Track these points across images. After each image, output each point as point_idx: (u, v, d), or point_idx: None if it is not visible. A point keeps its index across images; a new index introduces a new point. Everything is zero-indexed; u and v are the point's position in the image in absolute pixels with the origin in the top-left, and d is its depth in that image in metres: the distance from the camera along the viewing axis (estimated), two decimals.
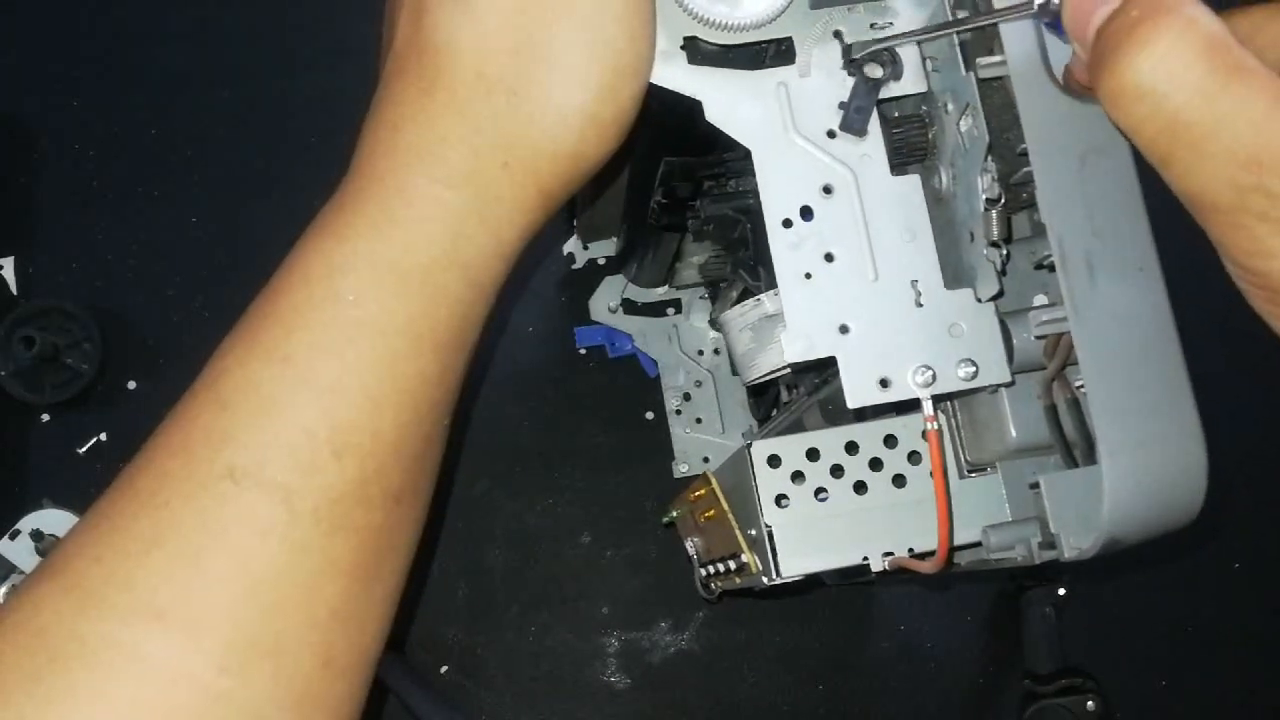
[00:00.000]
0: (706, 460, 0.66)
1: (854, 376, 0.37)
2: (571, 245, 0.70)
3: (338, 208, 0.38)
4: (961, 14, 0.38)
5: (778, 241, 0.38)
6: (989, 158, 0.37)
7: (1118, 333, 0.34)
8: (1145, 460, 0.34)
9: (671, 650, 0.68)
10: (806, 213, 0.38)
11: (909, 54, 0.39)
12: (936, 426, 0.38)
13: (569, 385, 0.70)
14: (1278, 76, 0.27)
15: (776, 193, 0.39)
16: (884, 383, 0.37)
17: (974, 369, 0.37)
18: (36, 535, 0.63)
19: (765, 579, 0.42)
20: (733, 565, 0.45)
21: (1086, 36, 0.30)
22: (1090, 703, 0.64)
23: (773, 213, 0.39)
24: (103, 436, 0.67)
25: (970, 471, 0.43)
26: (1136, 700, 0.68)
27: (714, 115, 0.38)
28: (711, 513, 0.47)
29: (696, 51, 0.39)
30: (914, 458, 0.42)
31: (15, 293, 0.68)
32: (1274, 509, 0.72)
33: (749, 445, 0.42)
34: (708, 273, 0.62)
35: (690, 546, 0.53)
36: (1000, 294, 0.38)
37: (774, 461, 0.42)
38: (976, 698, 0.69)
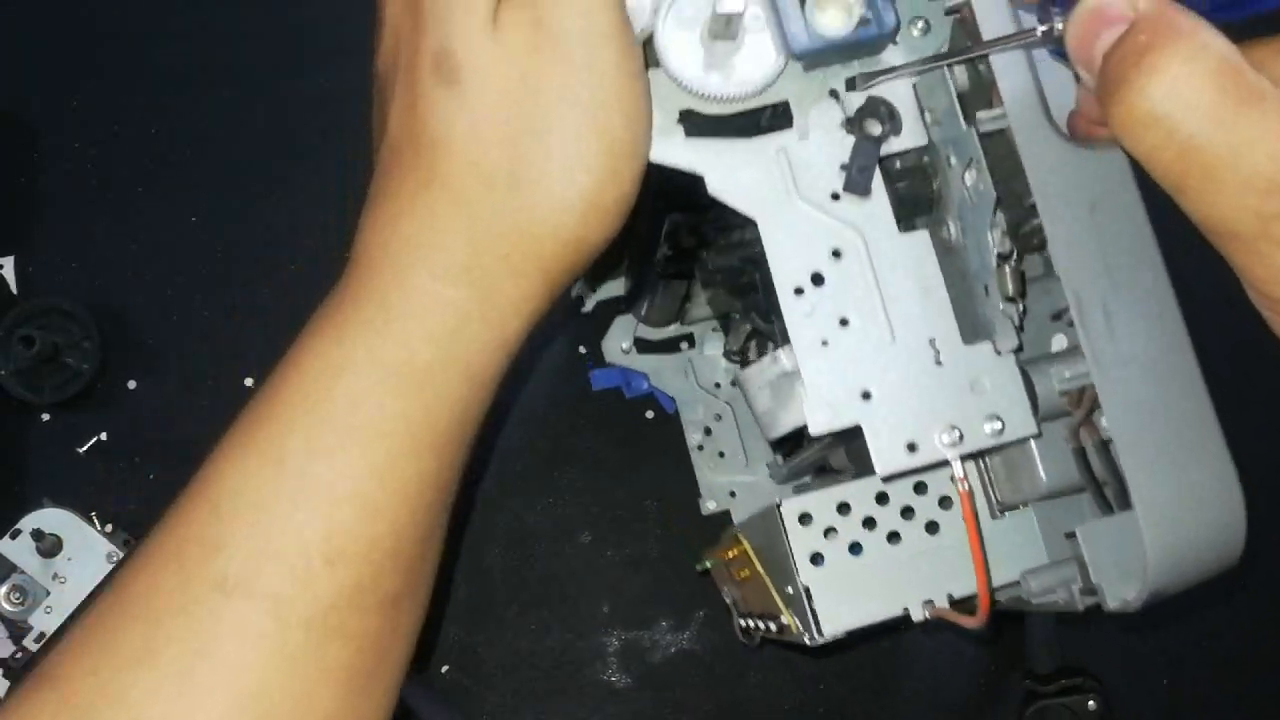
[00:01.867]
0: (733, 495, 0.65)
1: (881, 443, 0.37)
2: (579, 288, 0.70)
3: (337, 304, 0.37)
4: (955, 69, 0.37)
5: (791, 311, 0.37)
6: (997, 211, 0.36)
7: (1142, 382, 0.34)
8: (1182, 511, 0.34)
9: (671, 650, 0.68)
10: (817, 279, 0.38)
11: (907, 107, 0.38)
12: (969, 488, 0.38)
13: (568, 385, 0.70)
14: None
15: (786, 261, 0.38)
16: (912, 447, 0.37)
17: (1000, 424, 0.37)
18: (37, 534, 0.63)
19: (807, 639, 0.42)
20: (773, 627, 0.45)
21: (1093, 63, 0.29)
22: (1091, 702, 0.64)
23: (783, 282, 0.38)
24: (103, 436, 0.67)
25: (1003, 511, 0.42)
26: (1136, 700, 0.68)
27: (716, 188, 0.38)
28: (746, 572, 0.47)
29: (693, 122, 0.38)
30: (945, 503, 0.42)
31: (15, 292, 0.68)
32: (1274, 509, 0.71)
33: (779, 504, 0.42)
34: (718, 307, 0.61)
35: (727, 595, 0.53)
36: (1020, 348, 0.38)
37: (805, 519, 0.42)
38: (976, 697, 0.69)
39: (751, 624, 0.49)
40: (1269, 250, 0.27)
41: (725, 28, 0.36)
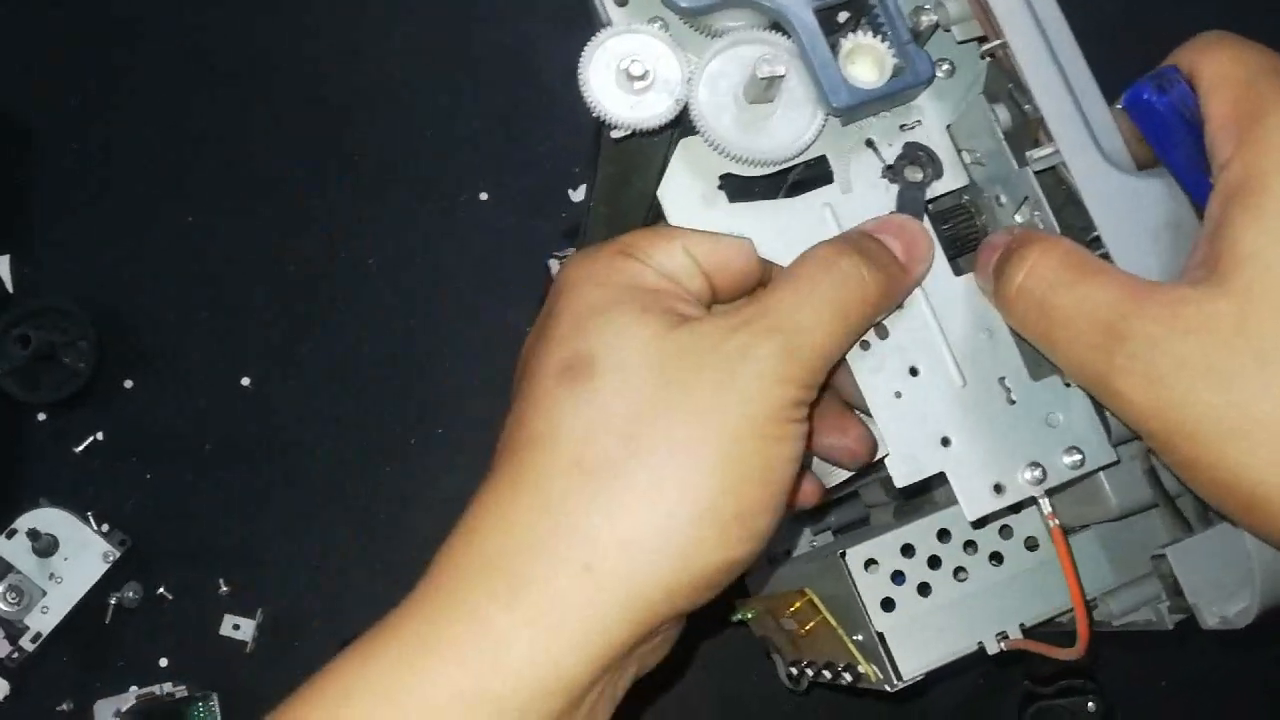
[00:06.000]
0: None
1: (967, 487, 0.37)
2: None
3: (389, 620, 0.33)
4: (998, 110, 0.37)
5: (861, 368, 0.37)
6: None
7: None
8: None
9: (675, 649, 0.67)
10: (882, 331, 0.37)
11: (945, 150, 0.38)
12: (1059, 524, 0.38)
13: None
14: (1122, 272, 0.33)
15: None
16: (998, 488, 0.37)
17: (1080, 456, 0.37)
18: (33, 534, 0.63)
19: (887, 686, 0.42)
20: (848, 677, 0.44)
21: (989, 274, 0.36)
22: (1090, 703, 0.64)
23: None
24: (99, 435, 0.67)
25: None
26: (1137, 700, 0.68)
27: (766, 251, 0.37)
28: (811, 625, 0.46)
29: (730, 187, 0.38)
30: (1005, 532, 0.43)
31: (12, 291, 0.68)
32: None
33: (842, 553, 0.42)
34: None
35: (769, 643, 0.53)
36: None
37: (871, 565, 0.42)
38: (976, 698, 0.69)
39: (810, 671, 0.48)
40: (1124, 387, 0.32)
41: (764, 91, 0.35)
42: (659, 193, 0.37)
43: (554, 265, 0.70)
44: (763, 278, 0.37)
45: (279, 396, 0.69)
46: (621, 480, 0.32)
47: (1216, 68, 0.34)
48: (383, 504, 0.68)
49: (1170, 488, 0.39)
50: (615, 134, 0.35)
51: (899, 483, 0.37)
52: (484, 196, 0.72)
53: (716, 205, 0.37)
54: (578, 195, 0.72)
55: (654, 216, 0.40)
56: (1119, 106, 0.36)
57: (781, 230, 0.37)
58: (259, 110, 0.71)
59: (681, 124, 0.36)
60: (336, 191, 0.71)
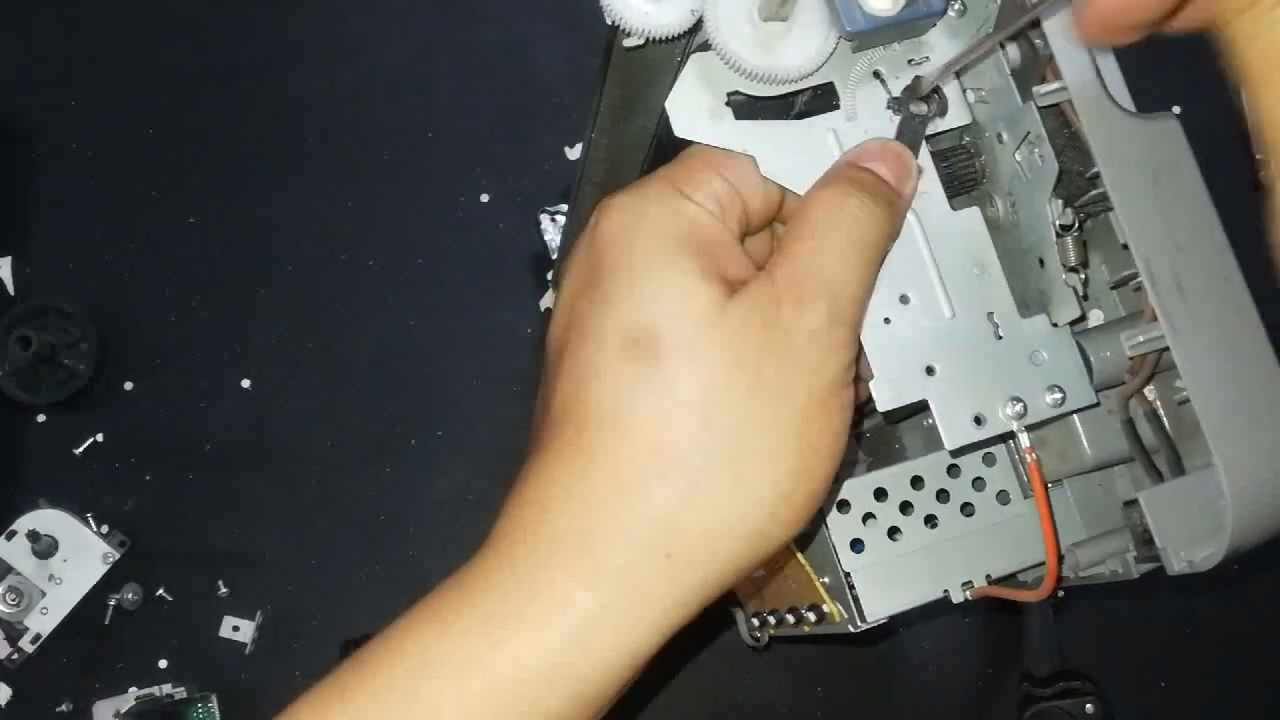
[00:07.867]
0: None
1: (948, 417, 0.37)
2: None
3: (459, 585, 0.34)
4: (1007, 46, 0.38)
5: None
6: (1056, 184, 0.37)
7: (1215, 345, 0.35)
8: (1261, 468, 0.35)
9: (671, 651, 0.67)
10: None
11: (951, 88, 0.38)
12: (1036, 458, 0.38)
13: None
14: None
15: None
16: (978, 420, 0.37)
17: (1061, 395, 0.37)
18: (33, 536, 0.63)
19: (850, 627, 0.42)
20: (812, 617, 0.45)
21: None
22: (1089, 705, 0.64)
23: None
24: (99, 437, 0.67)
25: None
26: (1136, 703, 0.68)
27: (769, 170, 0.37)
28: (778, 563, 0.47)
29: (736, 105, 0.38)
30: (978, 484, 0.43)
31: (12, 293, 0.68)
32: None
33: None
34: None
35: (729, 596, 0.53)
36: (1082, 317, 0.38)
37: (844, 506, 0.42)
38: (974, 700, 0.69)
39: (772, 620, 0.49)
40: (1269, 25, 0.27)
41: (779, 9, 0.36)
42: (667, 103, 0.37)
43: (545, 220, 0.70)
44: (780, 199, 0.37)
45: (279, 397, 0.69)
46: (703, 469, 0.32)
47: None
48: (383, 504, 0.68)
49: (1147, 442, 0.40)
50: (629, 42, 0.35)
51: (881, 406, 0.37)
52: (485, 198, 0.72)
53: (723, 120, 0.37)
54: (574, 153, 0.72)
55: (652, 157, 0.41)
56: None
57: (785, 151, 0.37)
58: (259, 110, 0.71)
59: (694, 37, 0.36)
60: (337, 191, 0.71)
